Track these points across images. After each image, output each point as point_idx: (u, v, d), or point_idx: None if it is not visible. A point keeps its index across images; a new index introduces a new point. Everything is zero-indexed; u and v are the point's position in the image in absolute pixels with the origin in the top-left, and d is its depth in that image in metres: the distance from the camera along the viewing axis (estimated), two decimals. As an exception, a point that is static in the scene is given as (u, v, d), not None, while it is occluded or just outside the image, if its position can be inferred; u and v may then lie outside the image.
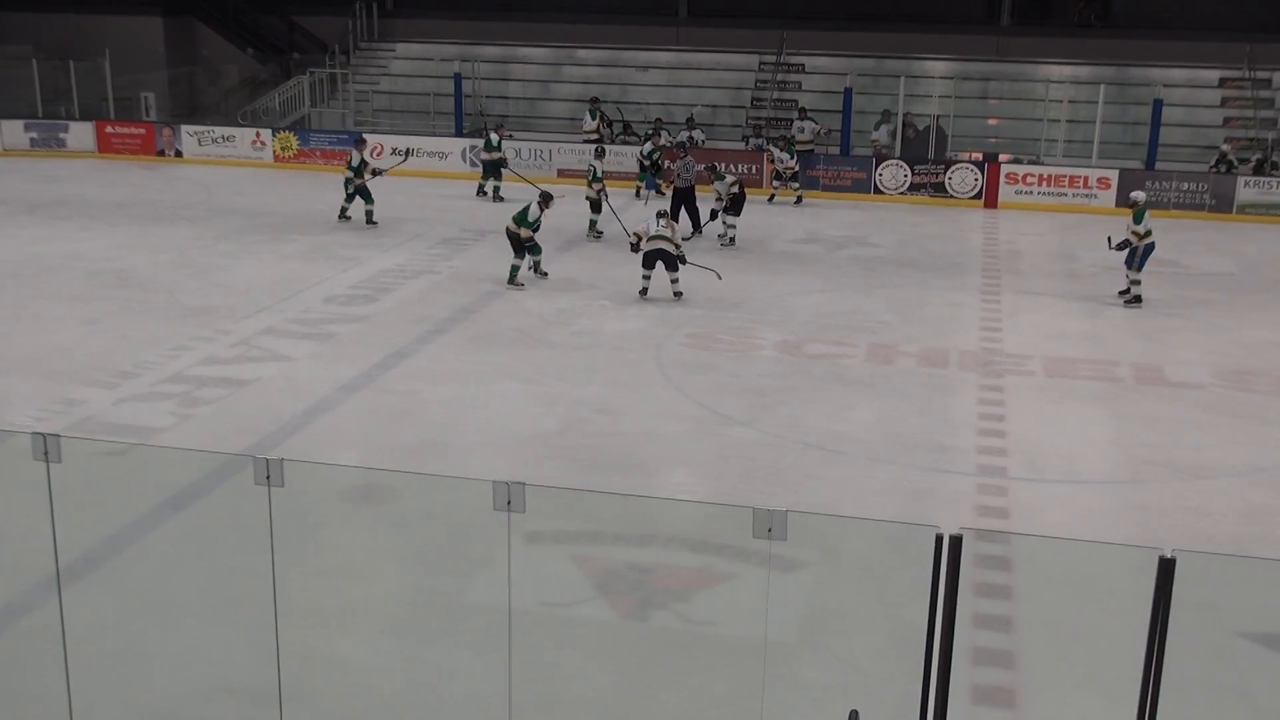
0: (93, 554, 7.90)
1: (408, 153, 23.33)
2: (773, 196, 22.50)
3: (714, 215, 18.70)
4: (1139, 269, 15.60)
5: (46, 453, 5.20)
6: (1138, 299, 15.60)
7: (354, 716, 6.66)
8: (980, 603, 7.70)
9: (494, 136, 22.52)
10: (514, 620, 6.07)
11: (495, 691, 6.02)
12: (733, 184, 18.69)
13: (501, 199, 21.63)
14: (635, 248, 15.36)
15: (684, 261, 15.34)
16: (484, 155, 22.53)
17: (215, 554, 8.07)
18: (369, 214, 19.74)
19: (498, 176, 22.23)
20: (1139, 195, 16.14)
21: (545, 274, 16.32)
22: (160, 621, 7.41)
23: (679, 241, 15.42)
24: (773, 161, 22.84)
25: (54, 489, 5.33)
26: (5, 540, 7.64)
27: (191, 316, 14.14)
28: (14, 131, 26.45)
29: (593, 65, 29.00)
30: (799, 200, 22.50)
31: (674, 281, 15.30)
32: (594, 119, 25.48)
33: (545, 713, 6.56)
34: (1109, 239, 15.83)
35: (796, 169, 22.57)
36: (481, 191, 22.50)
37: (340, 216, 19.92)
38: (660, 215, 15.53)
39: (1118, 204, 22.20)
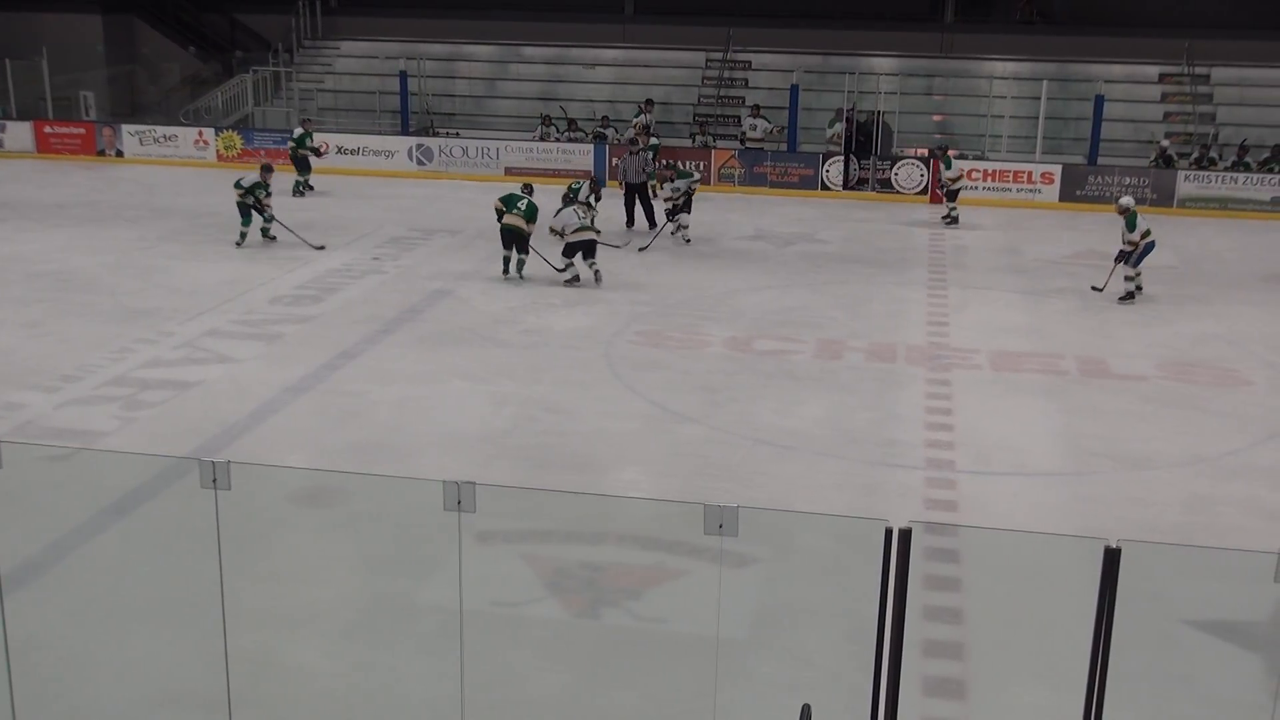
0: (35, 560, 7.77)
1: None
2: (946, 216, 20.97)
3: (670, 215, 18.55)
4: (1135, 265, 15.53)
5: (-14, 459, 5.11)
6: (1138, 289, 15.63)
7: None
8: (930, 595, 7.76)
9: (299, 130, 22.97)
10: (466, 621, 6.03)
11: (448, 693, 5.99)
12: (694, 182, 18.68)
13: (302, 193, 22.09)
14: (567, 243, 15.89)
15: (598, 244, 15.98)
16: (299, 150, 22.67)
17: (162, 559, 7.97)
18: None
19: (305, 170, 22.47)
20: (1128, 201, 15.80)
21: (523, 276, 16.21)
22: (106, 629, 7.31)
23: (598, 227, 16.13)
24: (939, 177, 21.46)
25: (-6, 495, 5.24)
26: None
27: (134, 318, 13.95)
28: (-51, 132, 25.98)
29: (540, 63, 28.92)
30: (954, 219, 20.83)
31: (591, 265, 15.88)
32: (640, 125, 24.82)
33: (499, 713, 6.53)
34: (1094, 288, 15.87)
35: (956, 184, 20.96)
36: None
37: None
38: (575, 203, 16.17)
39: (1061, 199, 22.49)
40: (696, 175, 19.01)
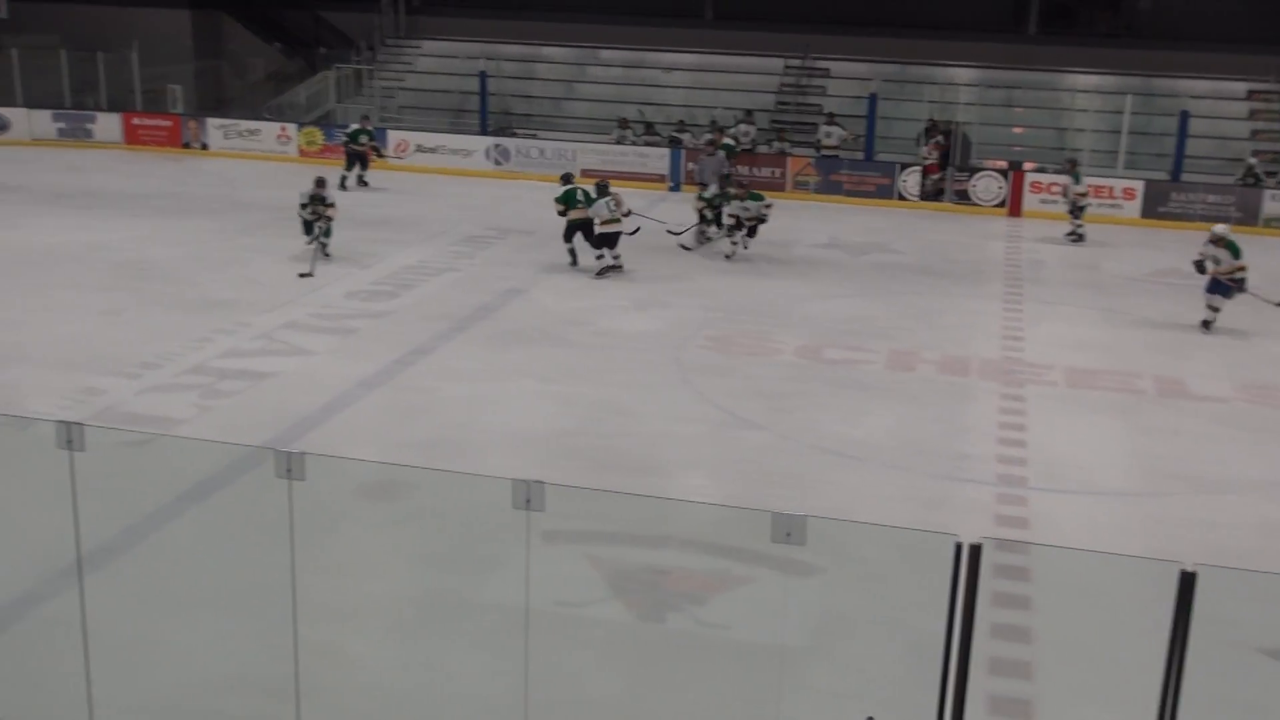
0: (112, 544, 7.93)
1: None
2: (1072, 233, 20.49)
3: (739, 228, 17.80)
4: (1235, 294, 14.86)
5: (70, 441, 5.23)
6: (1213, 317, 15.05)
7: (366, 713, 6.67)
8: (998, 612, 7.67)
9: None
10: (529, 620, 6.06)
11: (508, 691, 6.02)
12: (764, 207, 18.01)
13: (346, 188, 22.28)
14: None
15: (630, 232, 16.83)
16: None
17: (233, 547, 8.09)
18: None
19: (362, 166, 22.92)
20: (1223, 229, 15.11)
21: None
22: (177, 613, 7.43)
23: (624, 218, 16.77)
24: (1066, 193, 20.81)
25: (76, 477, 5.36)
26: (27, 527, 7.68)
27: (213, 309, 14.19)
28: (42, 121, 26.62)
29: (617, 66, 29.02)
30: (1080, 236, 20.41)
31: (616, 257, 16.57)
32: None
33: (559, 713, 6.55)
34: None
35: (1084, 199, 20.41)
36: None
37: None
38: (605, 194, 16.66)
39: (1143, 215, 22.14)
40: (769, 204, 18.24)
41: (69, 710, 5.30)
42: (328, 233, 16.66)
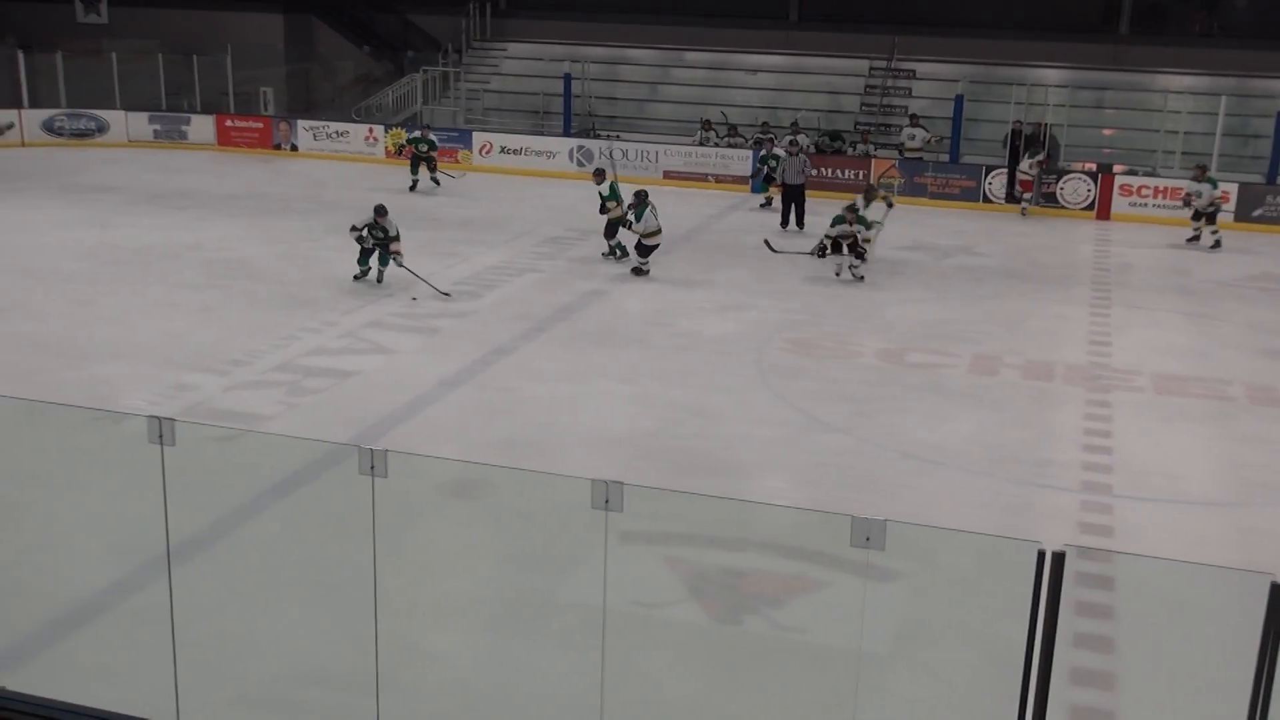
0: (200, 537, 8.10)
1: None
2: (1215, 244, 19.84)
3: (820, 252, 16.87)
4: None
5: (161, 436, 5.35)
6: None
7: (445, 708, 6.75)
8: (1080, 621, 7.55)
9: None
10: (606, 620, 6.08)
11: (585, 690, 6.05)
12: (874, 229, 17.12)
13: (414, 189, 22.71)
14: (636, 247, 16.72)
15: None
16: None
17: (316, 542, 8.22)
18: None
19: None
20: None
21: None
22: (261, 605, 7.58)
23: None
24: (1190, 200, 20.12)
25: (166, 471, 5.49)
26: (119, 519, 7.89)
27: (300, 307, 14.44)
28: (139, 123, 27.27)
29: (702, 68, 29.00)
30: (1218, 243, 19.84)
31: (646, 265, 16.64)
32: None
33: (634, 713, 6.57)
34: None
35: (1216, 204, 19.84)
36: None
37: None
38: (646, 203, 16.46)
39: (1236, 219, 21.61)
40: (878, 228, 17.20)
41: (156, 699, 5.43)
42: (384, 260, 15.53)
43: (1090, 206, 22.32)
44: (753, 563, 8.37)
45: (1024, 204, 22.18)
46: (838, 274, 16.65)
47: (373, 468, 5.30)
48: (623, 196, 17.11)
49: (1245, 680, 4.30)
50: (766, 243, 16.50)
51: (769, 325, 14.38)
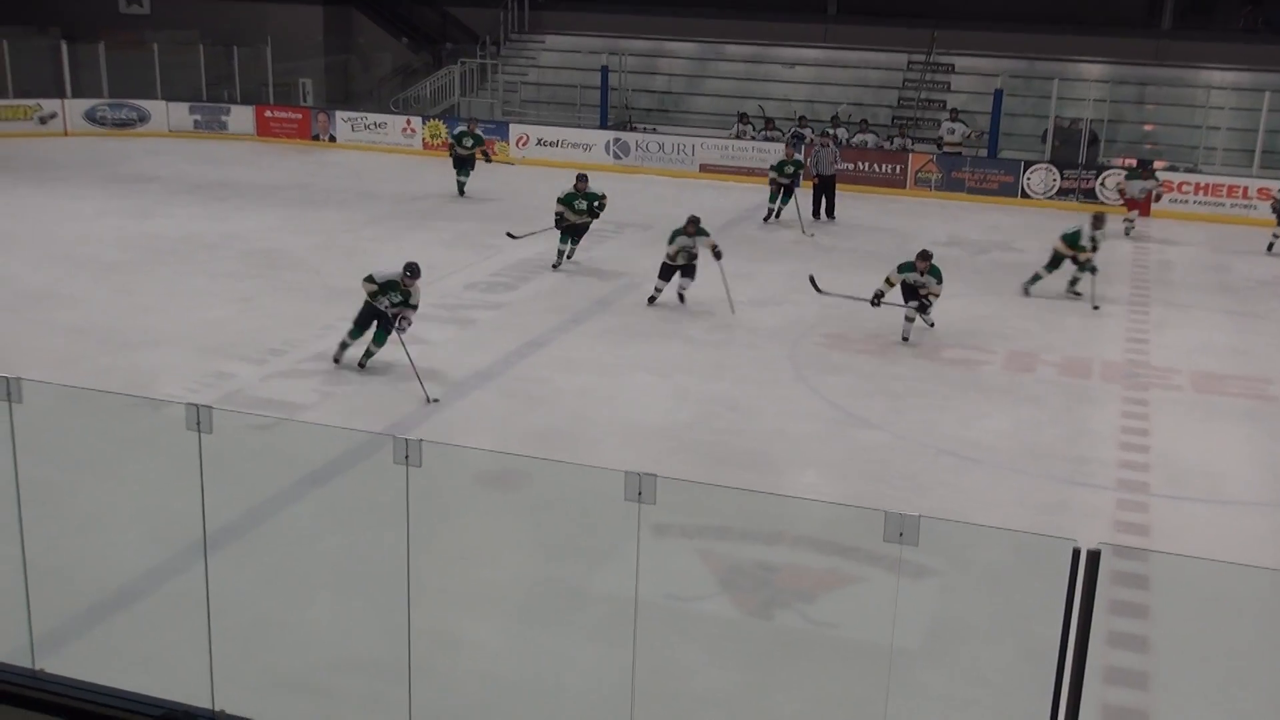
0: (236, 524, 8.17)
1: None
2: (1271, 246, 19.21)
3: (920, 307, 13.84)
4: None
5: (199, 423, 5.40)
6: None
7: (476, 698, 6.78)
8: (1116, 620, 7.50)
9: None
10: (639, 612, 6.09)
11: (617, 681, 6.06)
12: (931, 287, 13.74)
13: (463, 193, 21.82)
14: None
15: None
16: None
17: (351, 530, 8.28)
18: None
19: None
20: None
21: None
22: (295, 593, 7.64)
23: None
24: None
25: (204, 458, 5.53)
26: (157, 505, 7.97)
27: (337, 297, 14.51)
28: (179, 114, 27.51)
29: (740, 61, 28.94)
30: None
31: (683, 287, 14.77)
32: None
33: (666, 706, 6.58)
34: None
35: None
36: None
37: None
38: (694, 234, 14.53)
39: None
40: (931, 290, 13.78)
41: (191, 683, 5.49)
42: (380, 339, 11.99)
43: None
44: (786, 557, 8.36)
45: (1128, 223, 20.46)
46: (905, 338, 13.66)
47: (407, 457, 5.33)
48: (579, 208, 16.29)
49: (1282, 682, 4.26)
50: (812, 280, 14.75)
51: (805, 320, 14.33)
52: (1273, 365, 13.25)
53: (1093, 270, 15.64)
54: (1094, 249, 15.65)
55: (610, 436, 10.56)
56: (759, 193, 21.96)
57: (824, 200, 20.46)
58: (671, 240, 14.62)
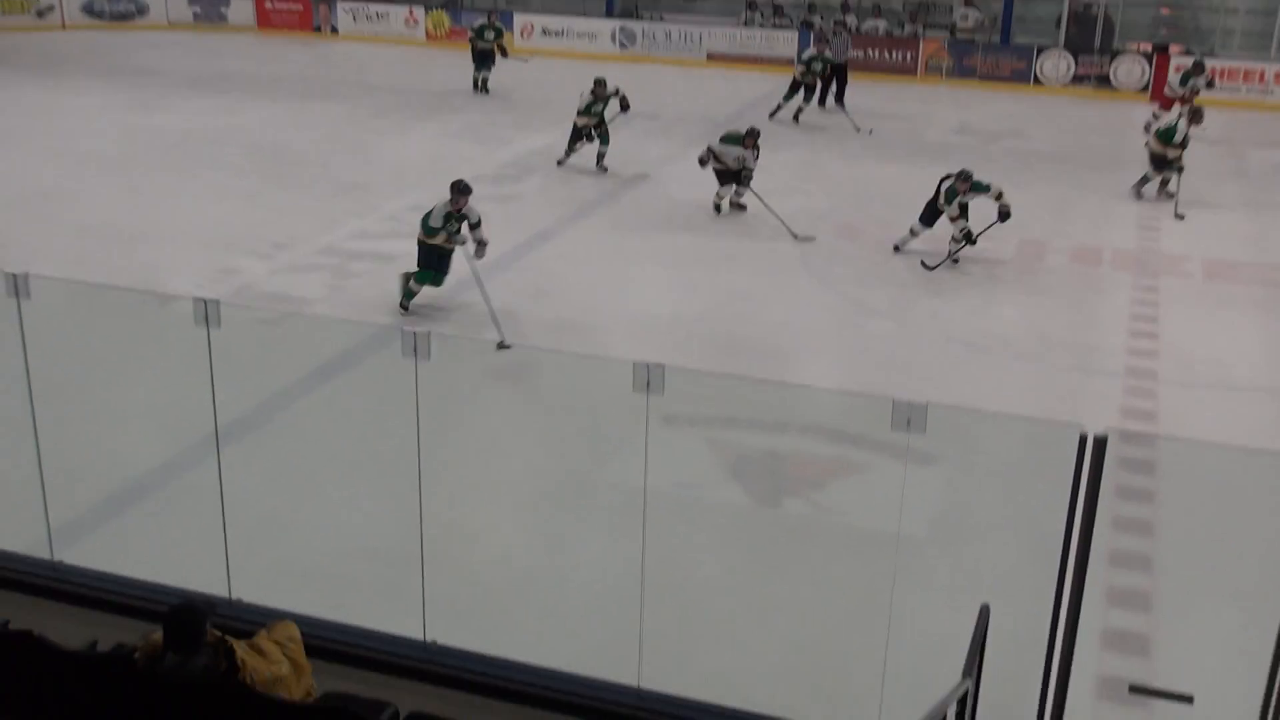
0: (247, 417, 8.23)
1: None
2: None
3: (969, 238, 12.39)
4: None
5: (207, 318, 5.40)
6: None
7: (488, 584, 6.88)
8: (1121, 505, 7.56)
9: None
10: (648, 501, 6.14)
11: (626, 569, 6.14)
12: (997, 196, 12.42)
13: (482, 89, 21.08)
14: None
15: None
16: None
17: (361, 423, 8.34)
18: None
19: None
20: None
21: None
22: (308, 486, 7.72)
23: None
24: None
25: (213, 353, 5.55)
26: (168, 400, 8.02)
27: (343, 191, 14.44)
28: (178, 6, 27.09)
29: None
30: None
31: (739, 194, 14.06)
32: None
33: (675, 592, 6.67)
34: None
35: None
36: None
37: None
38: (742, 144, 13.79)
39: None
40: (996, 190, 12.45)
41: (208, 572, 5.57)
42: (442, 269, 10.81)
43: (1145, 89, 21.77)
44: (794, 445, 8.42)
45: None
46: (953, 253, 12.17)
47: (415, 350, 5.33)
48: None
49: (1286, 563, 4.30)
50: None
51: (815, 210, 14.23)
52: (1285, 252, 13.16)
53: (1179, 170, 14.71)
54: (1184, 146, 14.71)
55: (620, 328, 10.56)
56: (768, 81, 21.67)
57: (835, 87, 20.18)
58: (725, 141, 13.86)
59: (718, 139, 13.93)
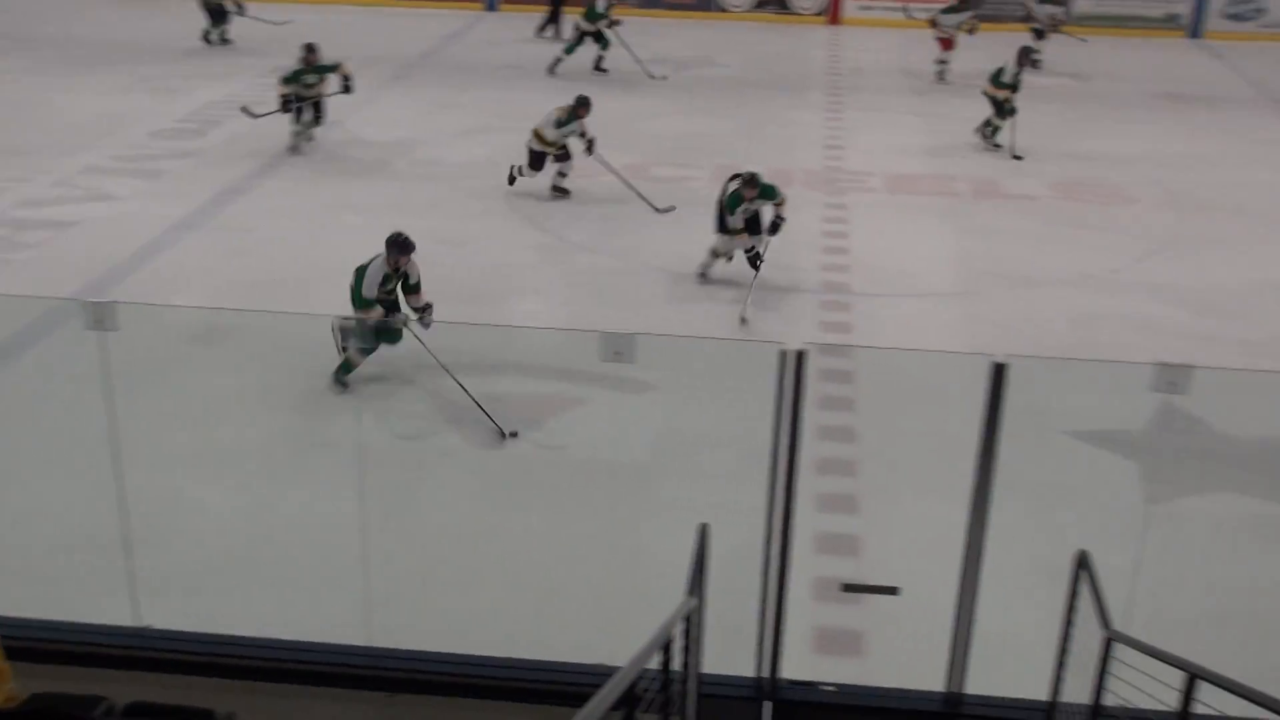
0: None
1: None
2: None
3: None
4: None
5: None
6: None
7: (208, 557, 6.62)
8: (824, 415, 7.94)
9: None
10: (369, 457, 6.03)
11: (351, 525, 6.02)
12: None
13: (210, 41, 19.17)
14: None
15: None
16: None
17: (50, 405, 7.82)
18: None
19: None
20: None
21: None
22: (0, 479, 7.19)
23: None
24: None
25: None
26: None
27: (4, 156, 13.36)
28: None
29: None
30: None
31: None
32: None
33: (406, 544, 6.59)
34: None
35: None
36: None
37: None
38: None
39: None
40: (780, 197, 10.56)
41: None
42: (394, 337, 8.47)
43: (821, 12, 22.64)
44: (511, 386, 8.42)
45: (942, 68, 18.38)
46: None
47: (99, 322, 5.00)
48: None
49: (973, 448, 4.61)
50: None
51: (517, 148, 14.12)
52: (957, 164, 14.02)
53: (1012, 112, 14.26)
54: (1015, 89, 14.28)
55: (323, 282, 10.23)
56: (455, 17, 21.36)
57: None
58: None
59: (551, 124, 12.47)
